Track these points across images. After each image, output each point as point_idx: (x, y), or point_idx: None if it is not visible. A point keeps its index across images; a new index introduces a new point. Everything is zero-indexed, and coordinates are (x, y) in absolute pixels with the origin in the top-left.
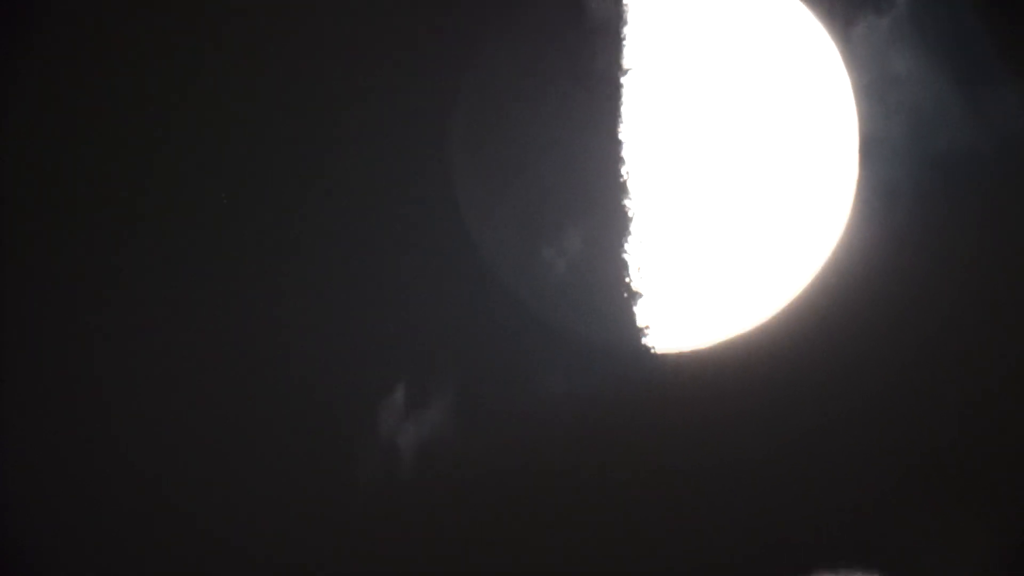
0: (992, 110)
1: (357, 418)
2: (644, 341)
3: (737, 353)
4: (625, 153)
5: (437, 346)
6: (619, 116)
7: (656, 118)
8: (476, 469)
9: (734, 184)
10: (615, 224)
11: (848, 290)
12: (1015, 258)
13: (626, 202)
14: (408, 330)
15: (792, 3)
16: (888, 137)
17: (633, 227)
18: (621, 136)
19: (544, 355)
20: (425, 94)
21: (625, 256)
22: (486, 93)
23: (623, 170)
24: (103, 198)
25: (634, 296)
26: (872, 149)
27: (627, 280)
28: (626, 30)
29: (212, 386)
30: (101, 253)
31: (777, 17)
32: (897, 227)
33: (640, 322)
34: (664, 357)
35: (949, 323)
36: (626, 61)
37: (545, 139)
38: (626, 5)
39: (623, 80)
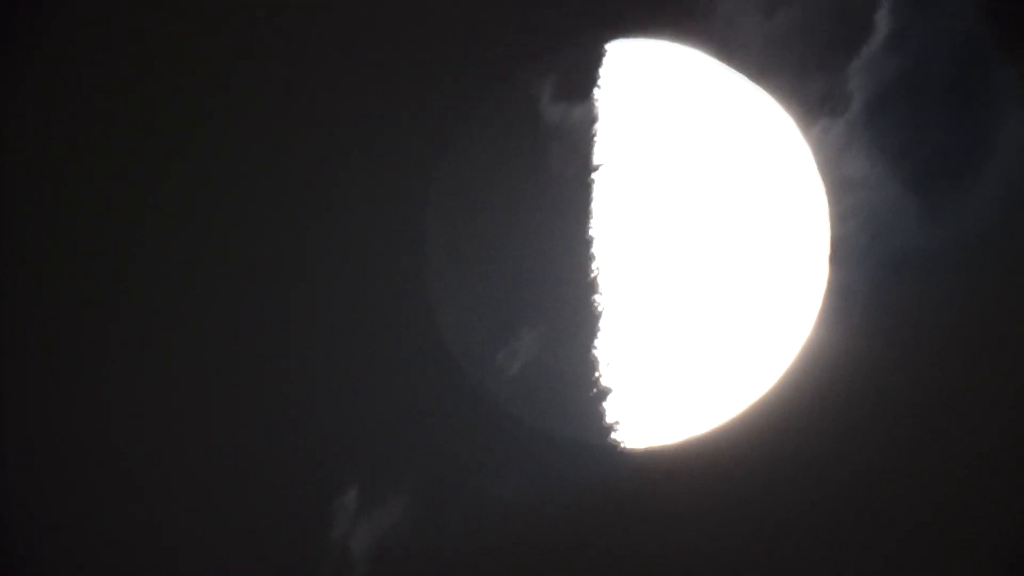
0: (947, 211)
1: (308, 519)
2: (613, 437)
3: (706, 449)
4: (595, 249)
5: (395, 444)
6: (589, 213)
7: (627, 214)
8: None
9: (704, 280)
10: (584, 320)
11: (816, 387)
12: (979, 356)
13: (595, 298)
14: (364, 427)
15: (765, 101)
16: (847, 238)
17: (602, 323)
18: (591, 232)
19: (510, 453)
20: (397, 187)
21: (594, 352)
22: (458, 187)
23: (593, 266)
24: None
25: (603, 392)
26: (836, 249)
27: (596, 376)
28: (598, 126)
29: (161, 494)
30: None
31: (748, 113)
32: (863, 326)
33: (609, 418)
34: (633, 453)
35: (917, 419)
36: (598, 157)
37: (516, 235)
38: (597, 102)
39: (594, 176)
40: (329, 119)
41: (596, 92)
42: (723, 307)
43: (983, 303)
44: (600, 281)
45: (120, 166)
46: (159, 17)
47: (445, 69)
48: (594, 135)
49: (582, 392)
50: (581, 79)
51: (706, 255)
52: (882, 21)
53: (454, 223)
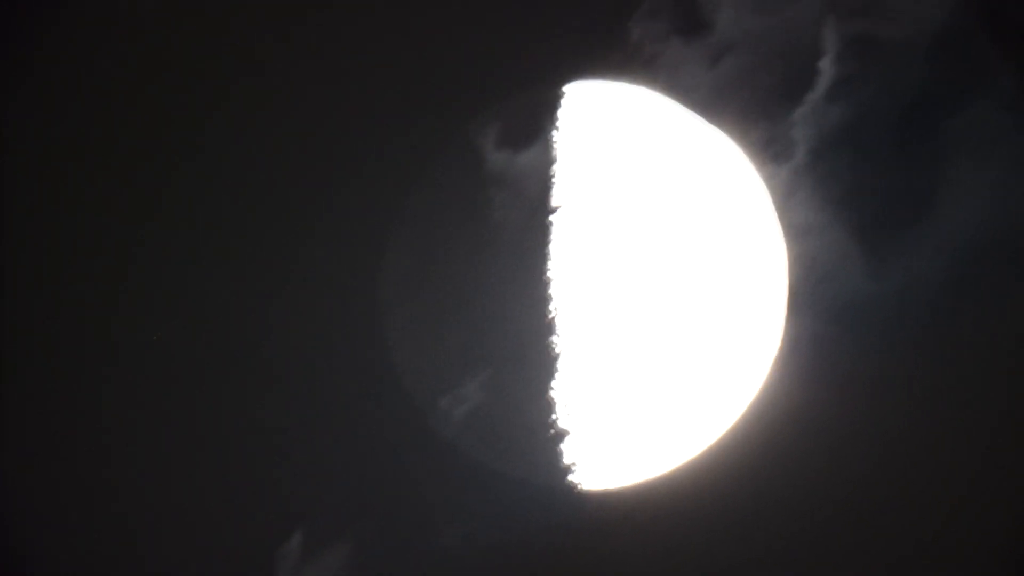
0: (893, 260)
1: (251, 567)
2: (569, 480)
3: (663, 492)
4: (551, 291)
5: (341, 489)
6: (547, 256)
7: (583, 257)
8: None
9: (660, 321)
10: (539, 363)
11: (771, 432)
12: (925, 402)
13: (551, 340)
14: (308, 472)
15: (714, 144)
16: (793, 285)
17: (559, 365)
18: (548, 275)
19: (462, 497)
20: (355, 238)
21: (550, 395)
22: (411, 237)
23: (550, 308)
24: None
25: (559, 435)
26: (793, 296)
27: (552, 419)
28: (543, 172)
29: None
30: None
31: (696, 156)
32: (811, 372)
33: (565, 461)
34: (589, 496)
35: (868, 464)
36: (545, 202)
37: (471, 279)
38: (543, 147)
39: (543, 220)
40: (290, 175)
41: (540, 138)
42: (679, 348)
43: (928, 351)
44: (556, 323)
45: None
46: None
47: (394, 119)
48: (541, 180)
49: (538, 434)
50: (525, 125)
51: (660, 297)
52: (827, 68)
53: (406, 273)
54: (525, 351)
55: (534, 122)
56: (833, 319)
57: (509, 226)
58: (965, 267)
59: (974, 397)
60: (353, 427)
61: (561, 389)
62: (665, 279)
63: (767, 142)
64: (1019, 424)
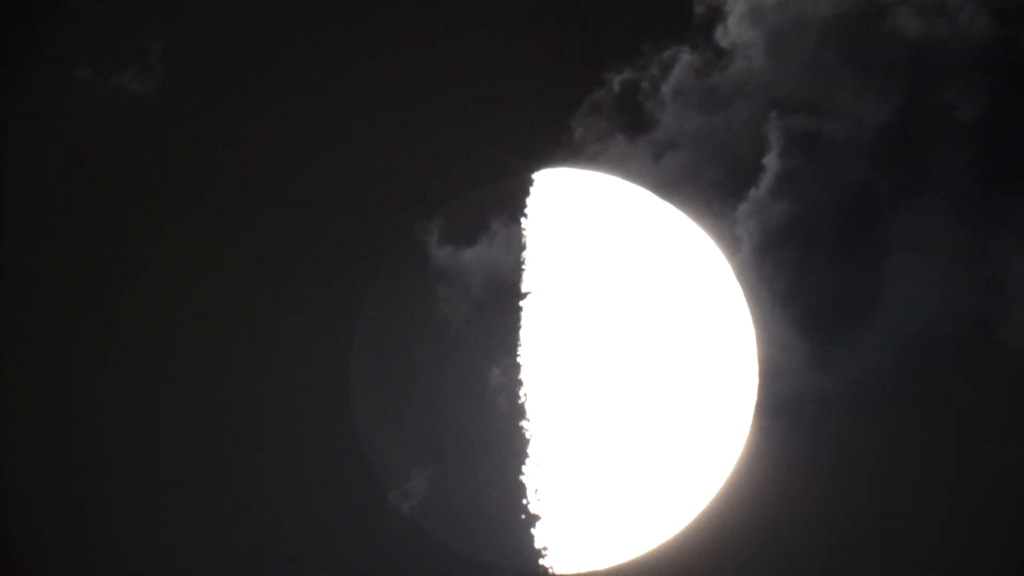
0: (835, 355)
1: None
2: (542, 563)
3: (636, 573)
4: (522, 375)
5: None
6: (518, 339)
7: (555, 337)
8: None
9: (632, 407)
10: (512, 447)
11: (746, 511)
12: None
13: (523, 424)
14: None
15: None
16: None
17: (531, 449)
18: (519, 359)
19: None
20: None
21: (523, 479)
22: (373, 335)
23: (520, 392)
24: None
25: (532, 519)
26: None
27: (524, 503)
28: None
29: None
30: None
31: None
32: (773, 462)
33: (538, 545)
34: None
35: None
36: (527, 282)
37: (442, 367)
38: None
39: (523, 302)
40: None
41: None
42: (652, 435)
43: (871, 445)
44: (528, 407)
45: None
46: None
47: (346, 221)
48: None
49: (511, 518)
50: (468, 220)
51: (636, 377)
52: (771, 164)
53: (373, 371)
54: (497, 433)
55: (477, 218)
56: (779, 412)
57: (456, 320)
58: (909, 361)
59: (920, 480)
60: (345, 515)
61: (534, 472)
62: (647, 357)
63: (712, 238)
64: (965, 504)
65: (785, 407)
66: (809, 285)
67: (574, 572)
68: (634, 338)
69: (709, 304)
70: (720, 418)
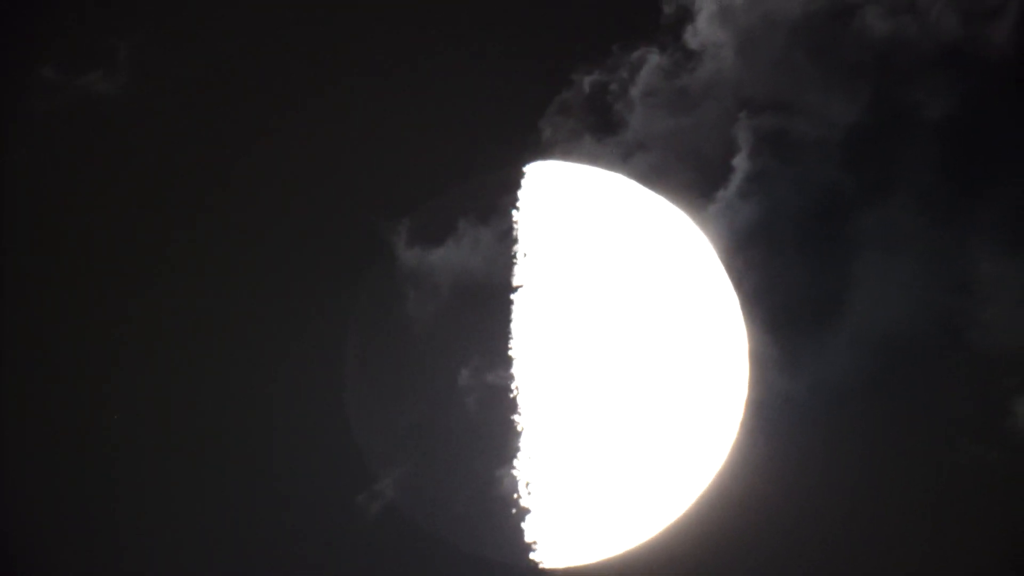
0: (803, 356)
1: None
2: (532, 557)
3: (624, 569)
4: (513, 371)
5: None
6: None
7: (546, 331)
8: None
9: (622, 402)
10: (503, 441)
11: (733, 508)
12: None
13: (514, 418)
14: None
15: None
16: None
17: (521, 442)
18: (510, 354)
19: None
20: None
21: (514, 473)
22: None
23: (512, 386)
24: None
25: (522, 512)
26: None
27: (515, 496)
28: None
29: None
30: None
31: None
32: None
33: (528, 538)
34: (552, 573)
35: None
36: (517, 277)
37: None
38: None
39: (514, 296)
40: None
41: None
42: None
43: (838, 446)
44: (519, 401)
45: None
46: None
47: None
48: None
49: (501, 513)
50: (436, 221)
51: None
52: (740, 165)
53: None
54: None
55: (445, 218)
56: (750, 414)
57: (424, 321)
58: (878, 362)
59: (889, 481)
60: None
61: (524, 466)
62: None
63: (679, 238)
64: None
65: (755, 409)
66: (778, 286)
67: (563, 566)
68: (614, 333)
69: (692, 299)
70: (708, 413)
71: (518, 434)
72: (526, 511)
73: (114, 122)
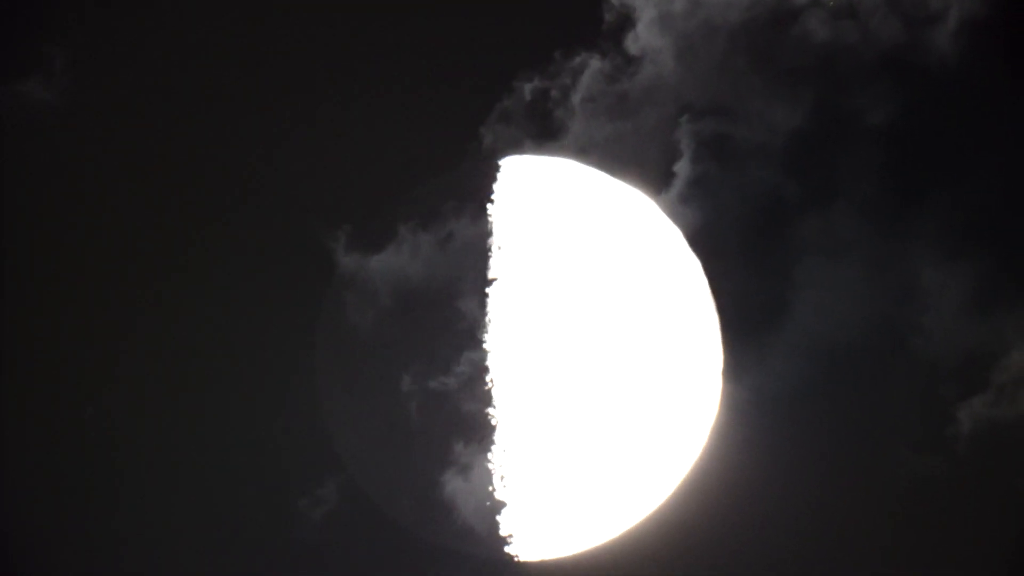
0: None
1: None
2: (507, 550)
3: (600, 562)
4: (489, 362)
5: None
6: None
7: (521, 326)
8: None
9: (598, 395)
10: (479, 434)
11: (710, 500)
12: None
13: (489, 411)
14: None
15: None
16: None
17: (496, 436)
18: (485, 346)
19: (408, 565)
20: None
21: (489, 466)
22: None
23: (487, 379)
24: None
25: (497, 505)
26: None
27: (490, 490)
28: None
29: None
30: None
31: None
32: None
33: (503, 531)
34: (528, 566)
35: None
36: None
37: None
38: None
39: (490, 290)
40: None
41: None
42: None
43: (779, 452)
44: (494, 394)
45: None
46: None
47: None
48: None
49: (478, 506)
50: (375, 227)
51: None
52: (681, 170)
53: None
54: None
55: (385, 224)
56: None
57: (364, 327)
58: (820, 368)
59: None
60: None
61: (500, 459)
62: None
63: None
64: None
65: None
66: (719, 291)
67: (539, 559)
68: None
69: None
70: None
71: (492, 428)
72: (501, 504)
73: (51, 129)
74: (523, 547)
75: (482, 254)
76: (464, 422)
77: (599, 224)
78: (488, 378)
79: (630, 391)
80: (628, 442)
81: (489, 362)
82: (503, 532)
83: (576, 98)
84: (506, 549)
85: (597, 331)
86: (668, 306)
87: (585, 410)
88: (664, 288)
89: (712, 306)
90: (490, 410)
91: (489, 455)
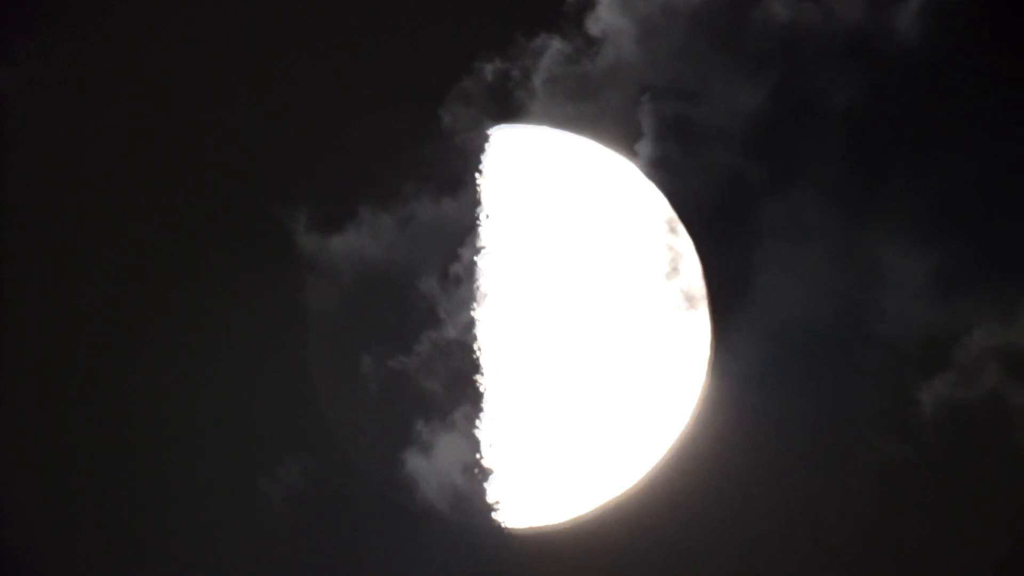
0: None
1: None
2: (495, 518)
3: (588, 530)
4: (477, 329)
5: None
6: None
7: (510, 296)
8: None
9: (586, 362)
10: (467, 401)
11: (697, 469)
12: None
13: (477, 378)
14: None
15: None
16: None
17: (484, 404)
18: (474, 314)
19: (394, 536)
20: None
21: (476, 433)
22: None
23: (475, 346)
24: None
25: (485, 473)
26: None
27: (478, 457)
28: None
29: None
30: None
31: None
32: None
33: (490, 499)
34: (515, 534)
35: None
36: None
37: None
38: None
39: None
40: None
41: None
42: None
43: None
44: (483, 361)
45: None
46: None
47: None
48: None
49: (465, 473)
50: (335, 208)
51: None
52: (642, 151)
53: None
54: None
55: (345, 204)
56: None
57: (324, 308)
58: (782, 352)
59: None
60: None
61: (488, 427)
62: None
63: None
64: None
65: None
66: (679, 273)
67: (527, 526)
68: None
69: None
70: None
71: (480, 395)
72: (488, 472)
73: (12, 118)
74: (511, 515)
75: (442, 234)
76: (424, 401)
77: (564, 197)
78: (476, 345)
79: (602, 367)
80: (602, 420)
81: (457, 338)
82: (491, 500)
83: (537, 79)
84: (494, 517)
85: (566, 303)
86: (634, 280)
87: (559, 383)
88: (631, 262)
89: (683, 283)
90: (478, 377)
91: (476, 422)
